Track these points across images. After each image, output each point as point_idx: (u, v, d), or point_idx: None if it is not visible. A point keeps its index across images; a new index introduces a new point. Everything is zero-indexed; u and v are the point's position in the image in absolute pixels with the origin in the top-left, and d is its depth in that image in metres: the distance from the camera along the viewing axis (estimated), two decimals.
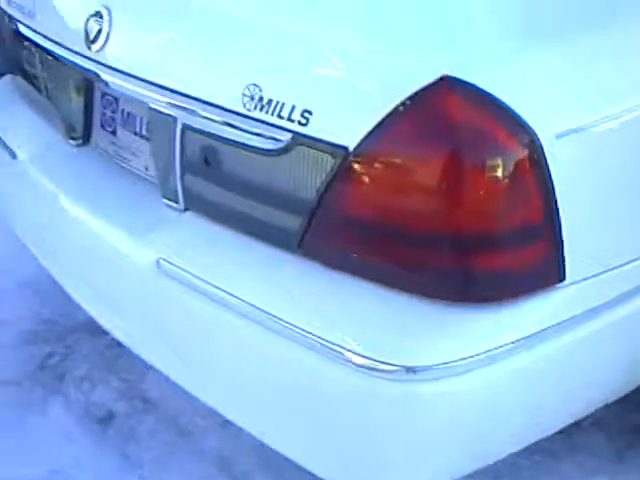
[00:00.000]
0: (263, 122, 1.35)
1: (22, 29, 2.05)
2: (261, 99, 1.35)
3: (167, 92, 1.52)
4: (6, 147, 2.07)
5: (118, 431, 2.15)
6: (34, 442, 2.12)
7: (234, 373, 1.48)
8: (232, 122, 1.40)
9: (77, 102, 1.91)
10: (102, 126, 1.87)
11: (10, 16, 2.13)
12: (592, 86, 1.33)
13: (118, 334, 1.81)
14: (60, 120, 1.97)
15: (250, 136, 1.38)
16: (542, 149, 1.23)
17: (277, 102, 1.33)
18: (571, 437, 2.04)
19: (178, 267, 1.51)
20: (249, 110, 1.37)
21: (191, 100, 1.47)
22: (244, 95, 1.38)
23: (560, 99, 1.29)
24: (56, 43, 1.86)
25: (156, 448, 2.09)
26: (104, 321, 1.84)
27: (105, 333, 2.45)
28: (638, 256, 1.42)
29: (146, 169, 1.74)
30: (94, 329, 2.47)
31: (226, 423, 2.11)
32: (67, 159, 1.94)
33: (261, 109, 1.35)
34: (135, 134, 1.76)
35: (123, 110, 1.78)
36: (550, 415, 1.46)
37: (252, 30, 1.46)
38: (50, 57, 1.91)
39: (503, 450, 1.45)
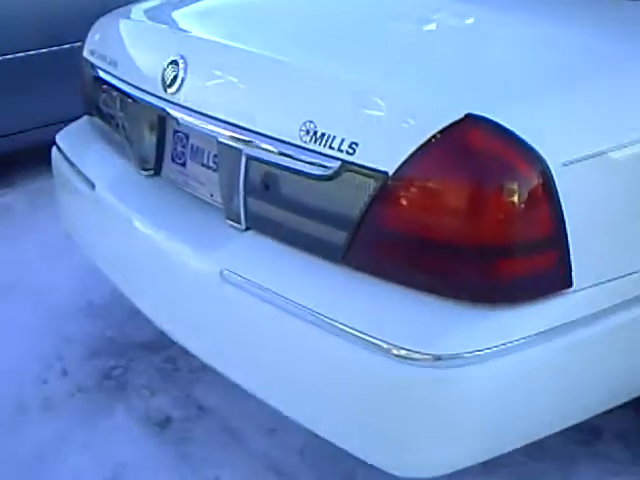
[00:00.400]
0: (317, 152, 1.62)
1: (103, 75, 2.35)
2: (315, 133, 1.62)
3: (235, 128, 1.79)
4: (86, 179, 2.34)
5: (175, 433, 2.39)
6: (102, 440, 2.37)
7: (292, 369, 1.72)
8: (290, 153, 1.67)
9: (150, 138, 2.19)
10: (172, 159, 2.15)
11: (92, 64, 2.43)
12: (593, 123, 1.58)
13: (186, 342, 2.05)
14: (134, 154, 2.25)
15: (305, 164, 1.65)
16: (551, 175, 1.48)
17: (329, 135, 1.60)
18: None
19: (240, 276, 1.77)
20: (305, 142, 1.64)
21: (255, 134, 1.75)
22: (301, 130, 1.65)
23: (566, 134, 1.54)
24: (136, 87, 2.14)
25: (209, 447, 2.33)
26: (175, 332, 2.08)
27: (161, 350, 2.74)
28: (622, 274, 1.65)
29: (211, 195, 2.00)
30: (151, 347, 2.77)
31: (273, 429, 2.36)
32: (140, 188, 2.21)
33: (315, 141, 1.62)
34: (202, 165, 2.03)
35: (193, 145, 2.06)
36: (556, 410, 1.69)
37: (308, 75, 1.75)
38: (129, 99, 2.20)
39: (516, 439, 1.67)
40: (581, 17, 1.96)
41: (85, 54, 2.50)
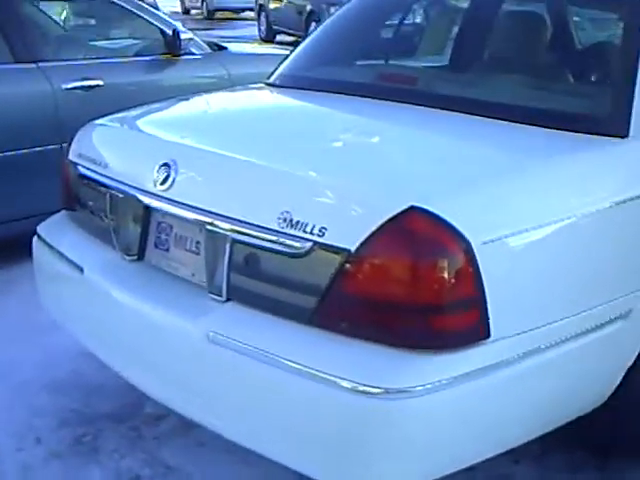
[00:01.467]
0: (292, 235, 2.09)
1: (90, 174, 2.77)
2: (291, 220, 2.09)
3: (223, 218, 2.24)
4: (74, 264, 2.73)
5: None
6: None
7: (273, 412, 2.13)
8: (270, 237, 2.13)
9: (135, 228, 2.61)
10: (156, 245, 2.56)
11: (77, 165, 2.85)
12: (505, 212, 2.10)
13: (172, 402, 2.43)
14: (119, 242, 2.66)
15: (282, 245, 2.11)
16: (473, 251, 1.98)
17: (303, 222, 2.07)
18: None
19: (225, 336, 2.19)
20: (283, 228, 2.10)
21: (241, 223, 2.20)
22: (279, 218, 2.11)
23: (485, 220, 2.06)
24: (127, 185, 2.57)
25: None
26: (167, 396, 2.44)
27: (126, 420, 3.09)
28: (545, 323, 2.15)
29: (193, 275, 2.42)
30: (116, 417, 3.11)
31: None
32: (126, 271, 2.61)
33: (291, 227, 2.09)
34: (186, 250, 2.45)
35: (177, 234, 2.49)
36: (482, 439, 2.14)
37: (284, 174, 2.24)
38: (119, 195, 2.61)
39: (450, 463, 2.11)
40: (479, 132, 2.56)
41: (71, 157, 2.92)
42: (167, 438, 2.96)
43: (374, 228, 1.99)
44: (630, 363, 2.47)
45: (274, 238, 2.12)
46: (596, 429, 2.60)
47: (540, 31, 3.10)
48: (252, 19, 18.60)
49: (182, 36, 5.10)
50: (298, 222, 2.08)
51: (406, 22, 3.64)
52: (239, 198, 2.27)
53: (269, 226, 2.13)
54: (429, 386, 1.96)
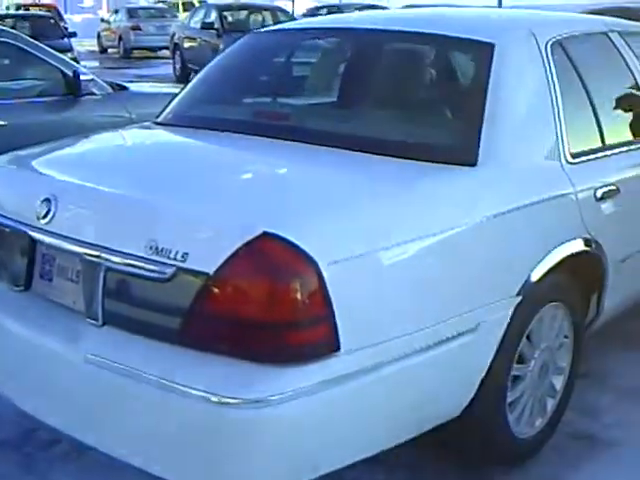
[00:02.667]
0: (158, 262, 2.28)
1: None
2: (157, 247, 2.28)
3: (97, 247, 2.42)
4: None
5: None
6: None
7: (147, 427, 2.31)
8: (139, 263, 2.32)
9: (22, 260, 2.75)
10: (41, 276, 2.72)
11: None
12: (349, 235, 2.32)
13: (59, 424, 2.56)
14: (7, 274, 2.80)
15: (149, 271, 2.29)
16: (321, 271, 2.19)
17: (167, 249, 2.27)
18: None
19: (100, 358, 2.35)
20: (149, 254, 2.30)
21: (112, 251, 2.38)
22: (146, 245, 2.30)
23: (331, 242, 2.28)
24: (11, 219, 2.73)
25: None
26: (52, 419, 2.58)
27: (21, 445, 3.19)
28: (396, 336, 2.36)
29: (74, 302, 2.58)
30: (10, 444, 3.21)
31: None
32: (13, 301, 2.76)
33: (157, 254, 2.28)
34: (67, 279, 2.61)
35: (59, 264, 2.64)
36: (340, 444, 2.34)
37: (151, 206, 2.44)
38: (5, 229, 2.76)
39: (312, 468, 2.30)
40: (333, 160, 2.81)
41: None
42: (60, 462, 3.08)
43: (230, 253, 2.19)
44: (483, 375, 2.70)
45: (142, 264, 2.31)
46: (458, 437, 2.82)
47: (400, 70, 3.37)
48: (168, 57, 18.78)
49: (82, 77, 5.26)
50: (163, 249, 2.28)
51: (292, 61, 3.86)
52: (111, 228, 2.46)
53: (137, 253, 2.32)
54: (284, 396, 2.16)
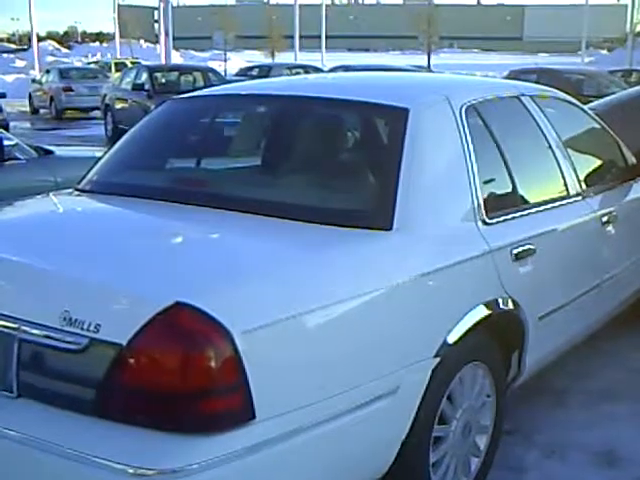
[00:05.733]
0: (71, 333, 2.25)
1: None
2: (70, 318, 2.26)
3: (10, 319, 2.39)
4: None
5: None
6: None
7: None
8: (53, 334, 2.29)
9: None
10: None
11: None
12: (263, 305, 2.33)
13: None
14: None
15: (63, 342, 2.27)
16: (234, 341, 2.19)
17: (80, 320, 2.25)
18: None
19: (14, 432, 2.31)
20: (63, 326, 2.27)
21: (26, 322, 2.35)
22: (59, 317, 2.28)
23: (244, 311, 2.28)
24: None
25: None
26: None
27: None
28: (313, 402, 2.36)
29: None
30: None
31: None
32: None
33: (70, 325, 2.26)
34: None
35: None
36: None
37: (65, 278, 2.42)
38: None
39: None
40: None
41: None
42: None
43: (142, 323, 2.19)
44: (404, 436, 2.72)
45: (56, 336, 2.28)
46: None
47: (318, 136, 3.42)
48: (100, 118, 18.73)
49: (5, 142, 5.22)
50: (76, 320, 2.26)
51: (210, 127, 3.89)
52: (25, 300, 2.43)
53: (51, 325, 2.30)
54: (201, 465, 2.14)
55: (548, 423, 3.88)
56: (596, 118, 4.53)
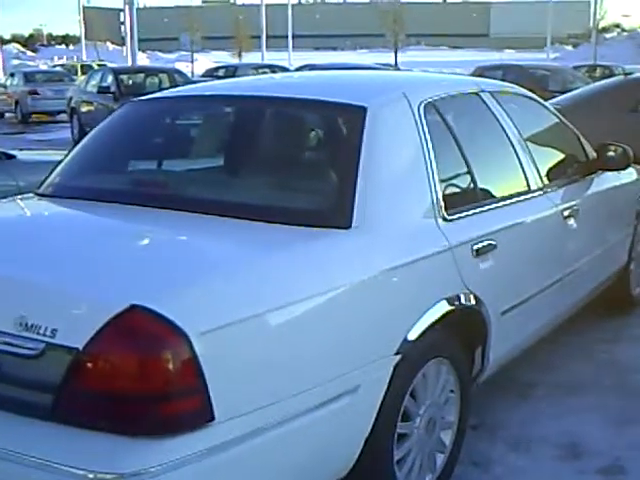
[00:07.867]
0: (27, 338, 2.23)
1: None
2: (27, 324, 2.24)
3: None
4: None
5: None
6: None
7: None
8: (8, 340, 2.27)
9: None
10: None
11: None
12: (226, 303, 2.32)
13: None
14: None
15: (19, 348, 2.25)
16: (191, 342, 2.18)
17: (36, 325, 2.23)
18: None
19: None
20: (19, 331, 2.25)
21: None
22: (15, 322, 2.26)
23: (201, 312, 2.27)
24: None
25: None
26: None
27: None
28: (273, 402, 2.36)
29: None
30: None
31: None
32: None
33: (26, 330, 2.24)
34: None
35: None
36: None
37: (21, 282, 2.39)
38: None
39: None
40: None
41: None
42: None
43: (99, 327, 2.17)
44: (367, 434, 2.72)
45: (12, 341, 2.26)
46: None
47: (277, 135, 3.42)
48: (67, 122, 18.59)
49: None
50: (32, 325, 2.24)
51: (169, 129, 3.87)
52: None
53: (7, 330, 2.28)
54: (161, 468, 2.14)
55: (513, 417, 3.90)
56: (557, 113, 4.56)
